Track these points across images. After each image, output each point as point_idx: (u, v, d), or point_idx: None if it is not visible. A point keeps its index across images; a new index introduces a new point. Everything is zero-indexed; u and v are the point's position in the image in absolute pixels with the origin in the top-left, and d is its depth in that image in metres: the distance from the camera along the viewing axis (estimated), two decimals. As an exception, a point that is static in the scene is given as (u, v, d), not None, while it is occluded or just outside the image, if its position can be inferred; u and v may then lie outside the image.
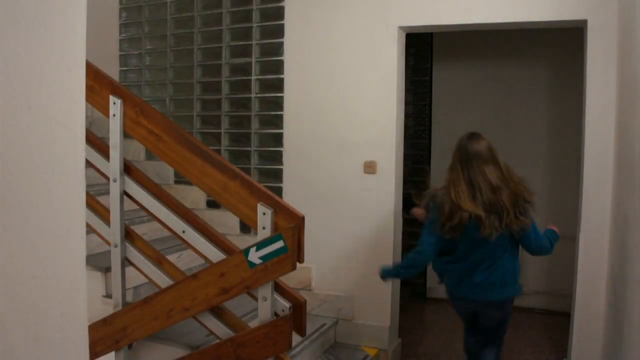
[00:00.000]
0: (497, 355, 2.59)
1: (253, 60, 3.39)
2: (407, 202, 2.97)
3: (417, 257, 2.44)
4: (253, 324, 2.10)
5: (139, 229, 2.71)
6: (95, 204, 2.38)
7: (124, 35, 3.84)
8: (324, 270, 3.24)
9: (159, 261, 2.30)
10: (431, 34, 4.37)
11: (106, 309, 2.36)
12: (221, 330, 2.13)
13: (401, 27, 3.04)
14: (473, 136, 2.37)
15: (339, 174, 3.17)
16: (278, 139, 3.35)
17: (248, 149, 3.44)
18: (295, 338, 2.07)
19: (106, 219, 2.32)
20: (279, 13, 3.29)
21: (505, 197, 2.25)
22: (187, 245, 2.20)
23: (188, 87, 3.62)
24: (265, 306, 2.00)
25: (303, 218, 1.96)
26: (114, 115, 2.24)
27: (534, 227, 2.34)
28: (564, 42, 3.99)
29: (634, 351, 2.08)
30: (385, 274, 2.62)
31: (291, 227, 1.92)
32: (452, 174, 2.34)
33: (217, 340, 2.15)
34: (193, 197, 3.47)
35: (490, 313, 2.51)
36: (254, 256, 1.95)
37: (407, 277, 2.60)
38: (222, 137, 3.51)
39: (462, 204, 2.24)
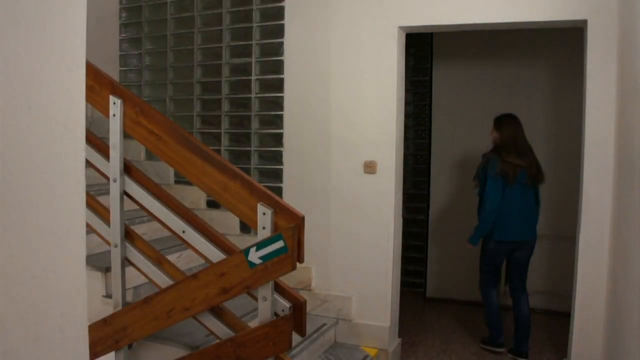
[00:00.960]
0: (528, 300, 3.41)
1: (253, 60, 3.39)
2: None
3: (487, 204, 3.23)
4: (253, 324, 2.10)
5: (139, 229, 2.71)
6: (95, 204, 2.38)
7: (124, 35, 3.84)
8: (324, 270, 3.24)
9: (159, 261, 2.30)
10: (431, 34, 4.37)
11: (106, 309, 2.36)
12: (221, 330, 2.13)
13: (401, 27, 3.04)
14: (514, 116, 3.37)
15: (339, 174, 3.17)
16: (278, 139, 3.35)
17: (248, 149, 3.44)
18: (295, 338, 2.07)
19: (106, 219, 2.31)
20: (279, 13, 3.29)
21: (533, 157, 3.29)
22: (187, 245, 2.20)
23: (188, 87, 3.62)
24: (265, 306, 2.00)
25: (303, 218, 1.95)
26: (114, 115, 2.24)
27: None
28: (564, 42, 3.99)
29: (634, 351, 2.08)
30: (473, 240, 3.36)
31: (291, 227, 1.92)
32: (502, 141, 3.29)
33: (217, 340, 2.15)
34: (193, 197, 3.47)
35: (525, 249, 3.33)
36: (254, 256, 1.95)
37: (490, 226, 3.27)
38: (222, 137, 3.51)
39: (513, 160, 3.21)
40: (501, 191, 3.20)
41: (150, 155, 3.61)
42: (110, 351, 2.28)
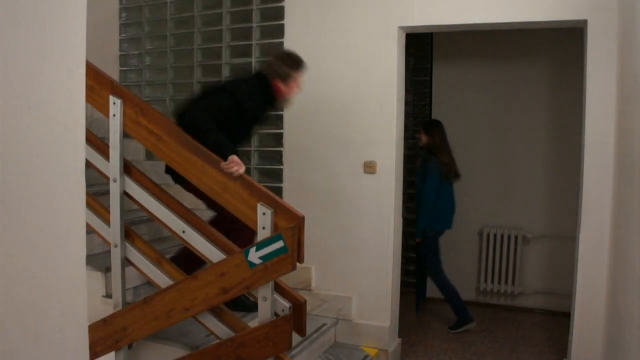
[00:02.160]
0: None
1: (253, 60, 3.39)
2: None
3: (424, 200, 3.68)
4: (253, 324, 2.10)
5: (139, 229, 2.71)
6: (95, 204, 2.38)
7: (124, 35, 3.84)
8: (324, 270, 3.24)
9: (159, 261, 2.30)
10: (431, 34, 4.36)
11: (106, 309, 2.36)
12: (221, 330, 2.13)
13: (401, 27, 3.04)
14: (439, 121, 3.87)
15: (339, 174, 3.17)
16: (278, 139, 3.35)
17: (248, 149, 3.44)
18: (295, 338, 2.07)
19: (106, 219, 2.31)
20: (279, 13, 3.29)
21: (453, 157, 3.83)
22: (187, 245, 2.20)
23: (188, 87, 3.62)
24: (265, 306, 2.00)
25: (303, 218, 1.96)
26: (114, 115, 2.24)
27: None
28: (564, 42, 3.99)
29: (634, 351, 2.08)
30: (420, 234, 3.75)
31: (291, 227, 1.92)
32: (434, 144, 3.74)
33: (217, 340, 2.15)
34: (193, 197, 3.46)
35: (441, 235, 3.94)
36: (254, 256, 1.95)
37: (428, 219, 3.72)
38: (222, 137, 3.50)
39: (447, 161, 3.72)
40: (436, 189, 3.69)
41: (150, 155, 3.61)
42: (110, 351, 2.28)
